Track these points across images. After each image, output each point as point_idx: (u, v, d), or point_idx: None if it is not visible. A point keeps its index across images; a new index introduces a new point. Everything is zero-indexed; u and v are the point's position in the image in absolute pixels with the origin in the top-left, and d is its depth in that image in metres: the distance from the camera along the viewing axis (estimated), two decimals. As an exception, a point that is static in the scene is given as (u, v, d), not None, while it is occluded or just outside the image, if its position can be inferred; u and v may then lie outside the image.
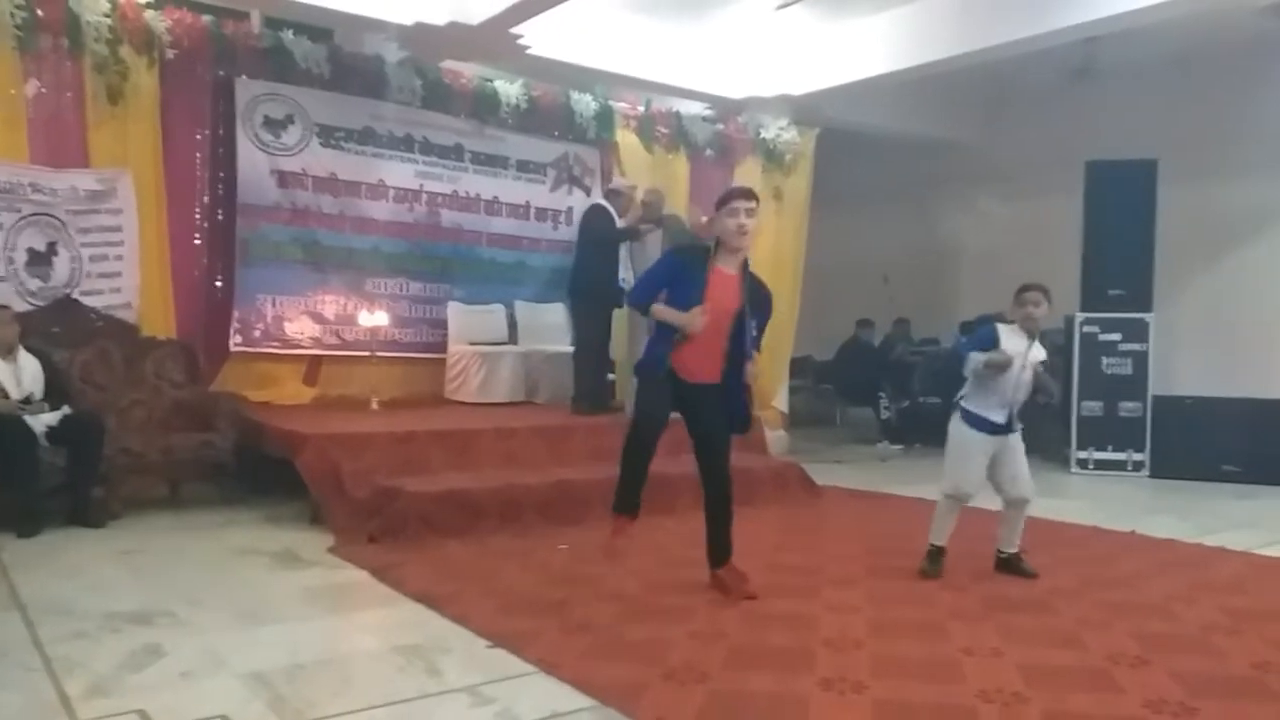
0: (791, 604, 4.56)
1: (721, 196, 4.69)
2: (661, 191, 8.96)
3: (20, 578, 4.91)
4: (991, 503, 5.25)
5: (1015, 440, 5.07)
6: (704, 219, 8.44)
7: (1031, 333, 5.04)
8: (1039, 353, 5.07)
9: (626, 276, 8.28)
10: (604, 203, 8.55)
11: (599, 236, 8.20)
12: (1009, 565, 5.14)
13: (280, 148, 8.52)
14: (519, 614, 4.35)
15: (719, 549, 4.83)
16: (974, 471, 5.01)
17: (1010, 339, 5.01)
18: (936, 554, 5.11)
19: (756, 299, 4.59)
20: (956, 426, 5.09)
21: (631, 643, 3.98)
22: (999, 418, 4.98)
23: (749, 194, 4.60)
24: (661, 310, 4.52)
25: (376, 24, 8.30)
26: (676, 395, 4.61)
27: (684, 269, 4.56)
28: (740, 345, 4.55)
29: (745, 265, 4.60)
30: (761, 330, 4.70)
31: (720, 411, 4.73)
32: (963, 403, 5.08)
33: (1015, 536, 5.15)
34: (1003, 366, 4.85)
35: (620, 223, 8.31)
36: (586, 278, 8.22)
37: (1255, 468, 8.84)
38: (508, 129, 9.78)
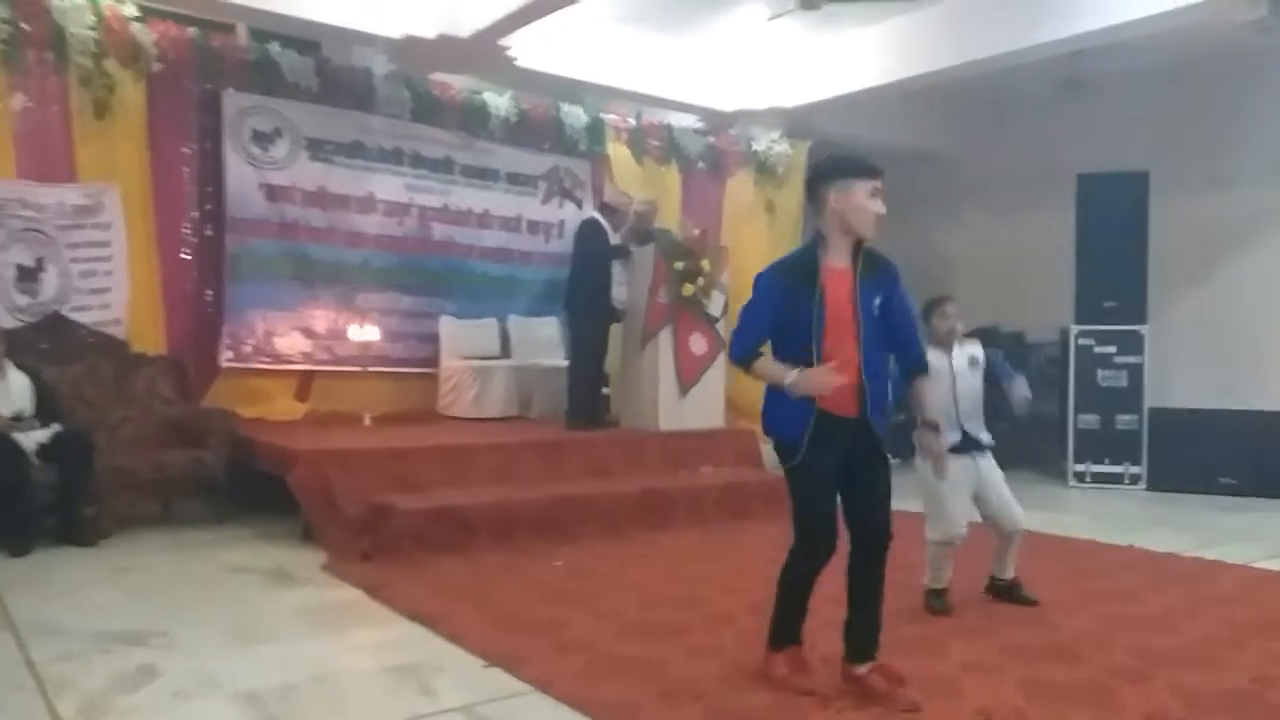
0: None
1: (858, 166, 3.58)
2: (654, 202, 8.96)
3: (11, 597, 4.86)
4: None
5: (989, 467, 4.79)
6: (696, 231, 8.44)
7: (948, 345, 4.79)
8: (966, 356, 4.81)
9: (619, 294, 8.25)
10: (597, 216, 8.52)
11: (591, 254, 8.18)
12: (1008, 593, 4.88)
13: (269, 161, 8.49)
14: (514, 632, 4.32)
15: (866, 635, 3.62)
16: (958, 507, 4.69)
17: (931, 357, 4.44)
18: (940, 594, 4.80)
19: (871, 280, 3.55)
20: (923, 467, 4.55)
21: (628, 661, 3.94)
22: (954, 437, 4.60)
23: (881, 171, 3.58)
24: (768, 368, 3.55)
25: (364, 36, 8.29)
26: (841, 441, 3.52)
27: (789, 291, 3.53)
28: (876, 353, 3.55)
29: (858, 250, 3.57)
30: (903, 325, 3.67)
31: (873, 450, 3.56)
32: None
33: (1009, 565, 4.91)
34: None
35: (614, 238, 8.29)
36: (582, 292, 8.19)
37: (1253, 480, 8.83)
38: (498, 142, 9.77)
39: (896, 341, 3.65)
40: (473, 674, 3.81)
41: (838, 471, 3.54)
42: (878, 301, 3.56)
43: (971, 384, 4.82)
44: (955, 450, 4.58)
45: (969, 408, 4.80)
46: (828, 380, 3.40)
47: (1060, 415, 9.89)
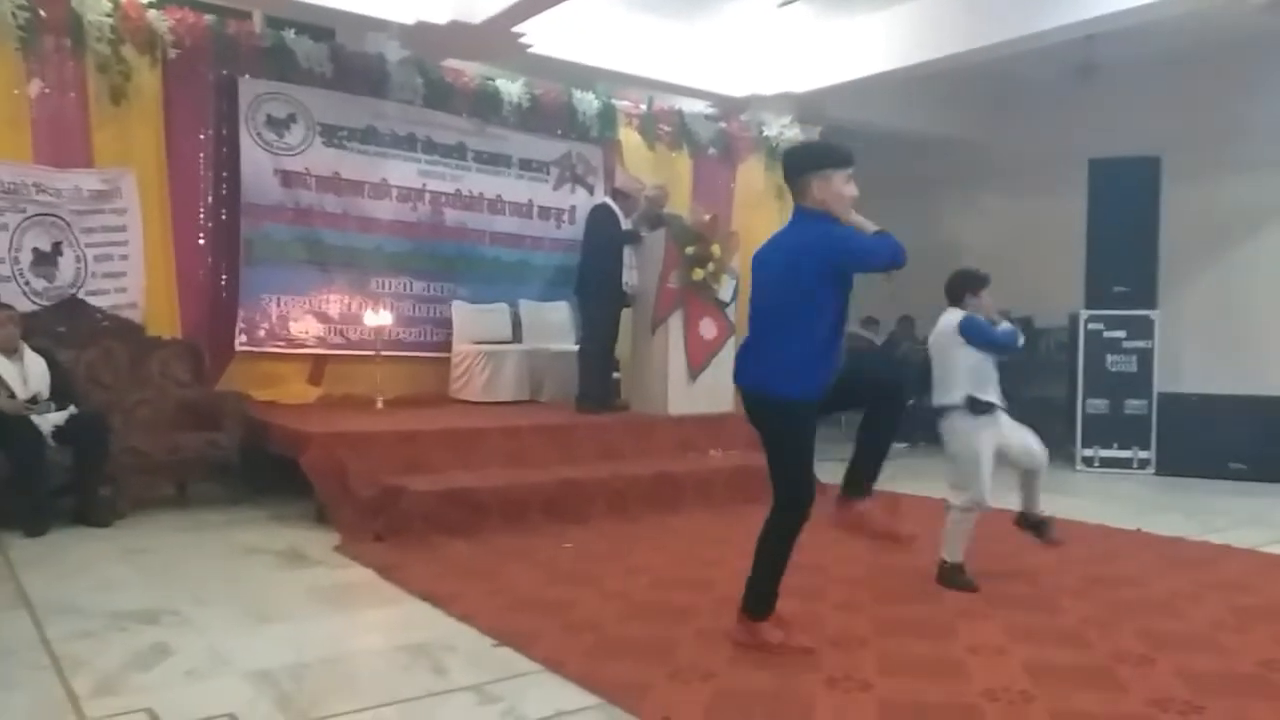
0: (796, 603, 4.52)
1: (825, 159, 3.99)
2: (665, 187, 8.97)
3: (28, 577, 4.93)
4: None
5: (1003, 418, 4.96)
6: (707, 217, 8.44)
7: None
8: None
9: (630, 279, 8.27)
10: (609, 202, 8.54)
11: (603, 239, 8.20)
12: (1037, 528, 5.08)
13: (283, 147, 8.53)
14: (524, 613, 4.36)
15: (870, 472, 3.99)
16: (988, 470, 4.81)
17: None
18: (958, 569, 4.86)
19: None
20: (964, 425, 4.85)
21: (637, 641, 3.99)
22: (994, 396, 4.93)
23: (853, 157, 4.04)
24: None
25: (378, 23, 8.33)
26: None
27: None
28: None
29: None
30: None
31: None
32: (968, 396, 4.86)
33: (1036, 499, 5.09)
34: None
35: (625, 223, 8.30)
36: (593, 278, 8.21)
37: (1262, 465, 8.82)
38: (510, 127, 9.78)
39: None
40: (483, 653, 3.85)
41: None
42: None
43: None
44: (992, 409, 4.90)
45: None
46: None
47: (1069, 400, 9.88)
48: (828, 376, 3.83)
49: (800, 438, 3.84)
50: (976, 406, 4.85)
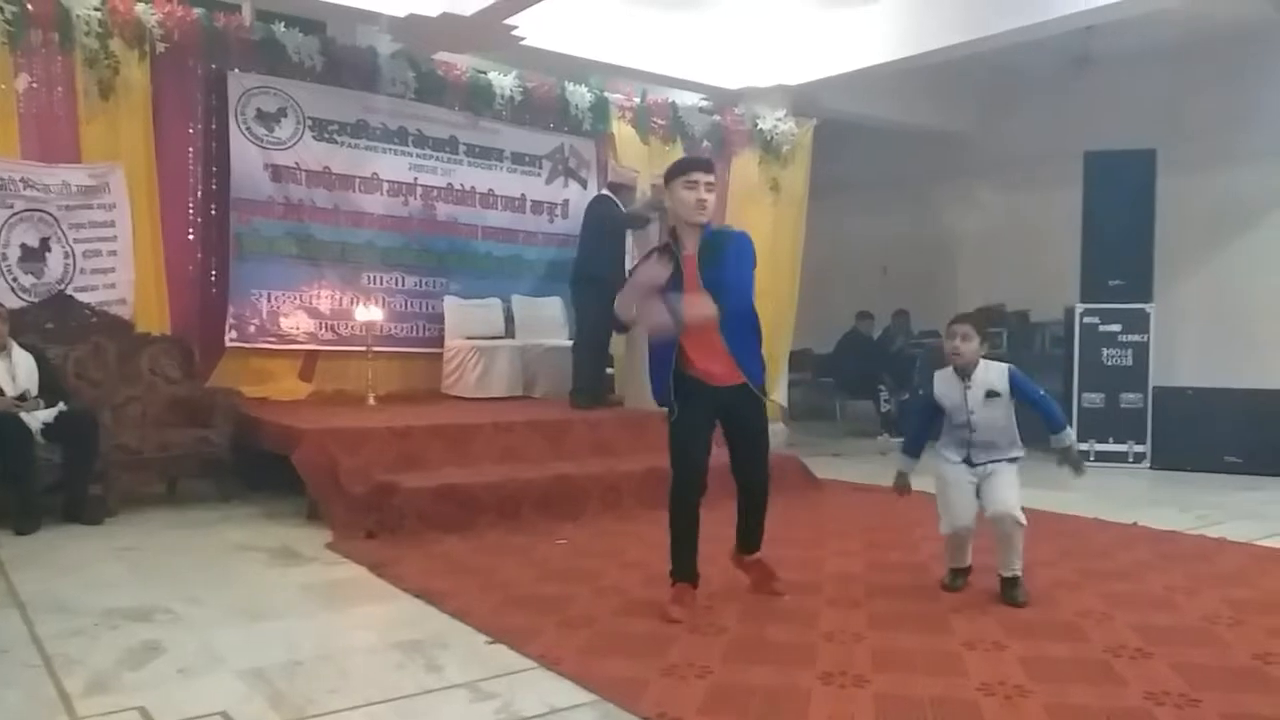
0: (791, 598, 4.54)
1: (675, 167, 4.35)
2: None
3: (18, 575, 4.89)
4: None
5: (1001, 468, 4.55)
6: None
7: (962, 370, 4.54)
8: (985, 386, 4.52)
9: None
10: (607, 193, 8.52)
11: (605, 226, 8.17)
12: (1002, 588, 4.57)
13: (273, 141, 8.49)
14: (518, 609, 4.33)
15: (755, 535, 4.70)
16: (961, 504, 4.55)
17: (945, 386, 4.59)
18: (956, 573, 4.75)
19: (708, 257, 4.23)
20: (935, 461, 4.71)
21: (632, 637, 3.96)
22: (956, 457, 4.60)
23: (709, 166, 4.34)
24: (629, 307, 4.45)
25: (368, 15, 8.29)
26: (712, 405, 4.34)
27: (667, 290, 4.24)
28: (734, 319, 4.23)
29: (704, 233, 4.28)
30: (739, 282, 4.24)
31: (758, 412, 4.50)
32: (935, 444, 4.74)
33: (1011, 558, 4.54)
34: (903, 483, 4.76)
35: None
36: (591, 267, 8.15)
37: (1257, 458, 8.81)
38: (502, 121, 9.75)
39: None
40: (477, 650, 3.82)
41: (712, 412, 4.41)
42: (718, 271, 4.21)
43: (989, 416, 4.53)
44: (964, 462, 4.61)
45: (985, 440, 4.55)
46: (697, 312, 4.15)
47: (1065, 393, 9.87)
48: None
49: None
50: (940, 450, 4.75)
